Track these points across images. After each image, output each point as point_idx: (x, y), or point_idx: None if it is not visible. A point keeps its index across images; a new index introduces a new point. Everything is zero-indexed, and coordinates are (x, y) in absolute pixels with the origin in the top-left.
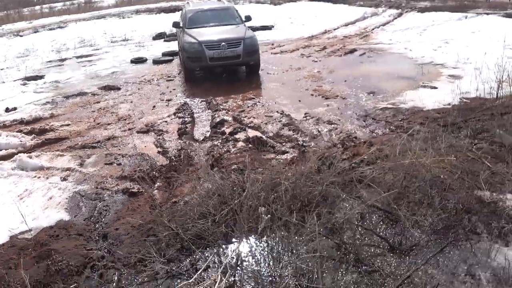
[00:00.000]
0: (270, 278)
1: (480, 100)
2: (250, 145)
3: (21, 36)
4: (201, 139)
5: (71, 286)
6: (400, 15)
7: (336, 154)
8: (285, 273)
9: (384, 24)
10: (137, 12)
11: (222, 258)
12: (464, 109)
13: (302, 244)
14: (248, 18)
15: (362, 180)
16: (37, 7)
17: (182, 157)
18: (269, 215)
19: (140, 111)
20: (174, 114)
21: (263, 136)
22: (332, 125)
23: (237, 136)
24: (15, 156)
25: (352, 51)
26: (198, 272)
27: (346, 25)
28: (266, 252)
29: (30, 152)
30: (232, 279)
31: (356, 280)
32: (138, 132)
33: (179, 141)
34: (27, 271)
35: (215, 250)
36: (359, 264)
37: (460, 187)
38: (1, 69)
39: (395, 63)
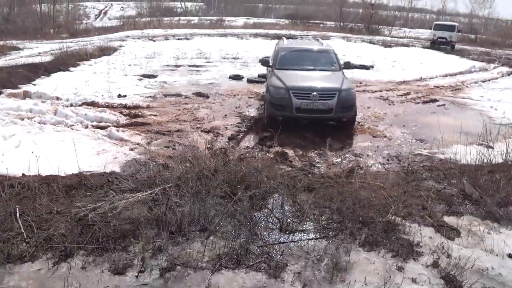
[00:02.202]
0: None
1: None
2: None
3: (154, 41)
4: (245, 146)
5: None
6: (510, 74)
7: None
8: None
9: (485, 81)
10: (256, 35)
11: None
12: (484, 167)
13: None
14: (348, 65)
15: (311, 187)
16: (176, 18)
17: (219, 152)
18: None
19: (213, 116)
20: (237, 124)
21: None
22: (356, 158)
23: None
24: (108, 128)
25: (433, 100)
26: None
27: (445, 76)
28: None
29: (119, 128)
30: None
31: (239, 229)
32: (202, 131)
33: (226, 143)
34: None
35: None
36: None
37: (379, 208)
38: (129, 65)
39: (468, 118)
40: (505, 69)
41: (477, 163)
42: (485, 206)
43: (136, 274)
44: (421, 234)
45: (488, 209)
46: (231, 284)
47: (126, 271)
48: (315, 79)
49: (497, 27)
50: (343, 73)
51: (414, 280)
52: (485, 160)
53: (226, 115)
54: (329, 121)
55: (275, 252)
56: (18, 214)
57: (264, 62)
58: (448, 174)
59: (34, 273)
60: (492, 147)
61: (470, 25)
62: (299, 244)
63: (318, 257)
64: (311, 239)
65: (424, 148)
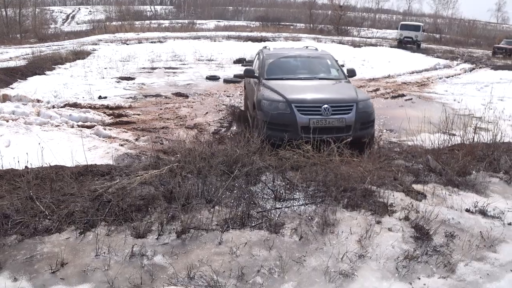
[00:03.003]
0: None
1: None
2: None
3: (127, 44)
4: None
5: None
6: (472, 70)
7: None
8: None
9: (449, 77)
10: (228, 38)
11: None
12: (446, 148)
13: None
14: (352, 73)
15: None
16: (147, 21)
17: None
18: None
19: (195, 114)
20: (219, 120)
21: None
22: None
23: None
24: (95, 126)
25: (401, 95)
26: None
27: (412, 73)
28: None
29: (105, 126)
30: None
31: (239, 199)
32: (186, 127)
33: (211, 137)
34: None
35: None
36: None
37: (357, 180)
38: (105, 68)
39: (433, 111)
40: (467, 65)
41: (440, 146)
42: (447, 176)
43: (156, 237)
44: (393, 197)
45: (449, 178)
46: (240, 239)
47: (146, 235)
48: (321, 89)
49: (460, 26)
50: (349, 82)
51: (390, 229)
52: (447, 143)
53: (207, 112)
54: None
55: (272, 216)
56: (35, 197)
57: (248, 72)
58: (416, 155)
59: (64, 241)
60: (455, 134)
61: (435, 25)
62: (292, 208)
63: (309, 217)
64: (302, 205)
65: (394, 137)
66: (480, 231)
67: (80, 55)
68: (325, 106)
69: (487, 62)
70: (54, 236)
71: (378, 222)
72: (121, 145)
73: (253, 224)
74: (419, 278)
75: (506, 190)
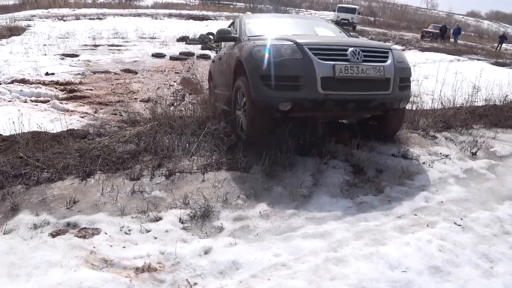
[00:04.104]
0: None
1: None
2: None
3: (64, 20)
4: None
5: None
6: (402, 51)
7: None
8: None
9: None
10: (170, 16)
11: None
12: None
13: None
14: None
15: None
16: None
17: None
18: None
19: (147, 89)
20: (172, 94)
21: None
22: None
23: None
24: (51, 101)
25: None
26: None
27: None
28: None
29: (61, 101)
30: None
31: (212, 151)
32: (141, 100)
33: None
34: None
35: None
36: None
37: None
38: (44, 45)
39: None
40: (398, 47)
41: None
42: None
43: (149, 179)
44: (336, 147)
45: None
46: (219, 177)
47: (140, 178)
48: (332, 37)
49: (393, 11)
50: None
51: (334, 167)
52: None
53: (158, 87)
54: (380, 107)
55: (241, 161)
56: (25, 156)
57: (220, 33)
58: None
59: (69, 186)
60: None
61: (370, 8)
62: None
63: (273, 160)
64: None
65: None
66: (401, 167)
67: (14, 31)
68: (353, 49)
69: (416, 44)
70: (58, 183)
71: (325, 163)
72: (82, 117)
73: (227, 168)
74: (358, 196)
75: (422, 142)
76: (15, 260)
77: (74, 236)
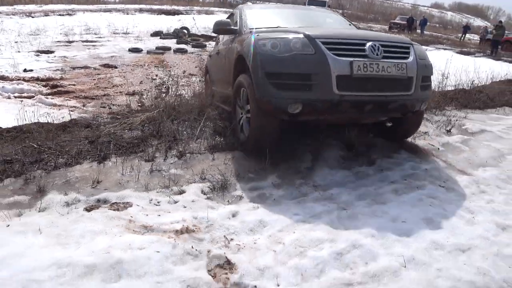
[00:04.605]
0: None
1: None
2: None
3: (32, 17)
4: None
5: None
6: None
7: None
8: None
9: None
10: (141, 10)
11: None
12: None
13: None
14: None
15: None
16: None
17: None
18: None
19: (130, 82)
20: (156, 87)
21: None
22: None
23: None
24: (36, 96)
25: None
26: None
27: None
28: None
29: (46, 96)
30: None
31: (214, 134)
32: (126, 94)
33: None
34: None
35: None
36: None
37: None
38: (16, 42)
39: None
40: None
41: None
42: None
43: (163, 159)
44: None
45: None
46: (227, 156)
47: (154, 159)
48: (344, 29)
49: (360, 3)
50: None
51: (328, 144)
52: None
53: (141, 81)
54: (400, 109)
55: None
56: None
57: (219, 25)
58: None
59: (88, 169)
60: None
61: (338, 1)
62: None
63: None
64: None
65: None
66: (388, 143)
67: None
68: (372, 43)
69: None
70: (76, 167)
71: (321, 143)
72: (72, 111)
73: (231, 149)
74: (354, 167)
75: None
76: (59, 232)
77: (108, 209)
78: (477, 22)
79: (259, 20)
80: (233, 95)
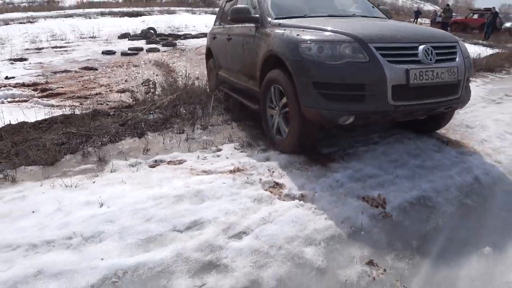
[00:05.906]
0: None
1: None
2: None
3: None
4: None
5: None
6: None
7: None
8: None
9: None
10: (102, 14)
11: None
12: None
13: None
14: (388, 14)
15: None
16: (0, 1)
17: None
18: None
19: (116, 82)
20: (142, 84)
21: None
22: None
23: None
24: (33, 99)
25: None
26: None
27: None
28: None
29: (41, 98)
30: None
31: (225, 113)
32: (117, 92)
33: (146, 95)
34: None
35: None
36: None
37: None
38: None
39: None
40: None
41: None
42: None
43: (192, 131)
44: None
45: None
46: (242, 126)
47: (184, 132)
48: (384, 26)
49: None
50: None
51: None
52: None
53: (126, 80)
54: (442, 111)
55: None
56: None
57: (237, 12)
58: None
59: (132, 142)
60: None
61: None
62: None
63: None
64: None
65: None
66: None
67: None
68: (425, 46)
69: None
70: (122, 142)
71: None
72: (73, 110)
73: (243, 122)
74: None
75: None
76: (139, 181)
77: (168, 165)
78: (427, 6)
79: (284, 7)
80: (261, 92)
